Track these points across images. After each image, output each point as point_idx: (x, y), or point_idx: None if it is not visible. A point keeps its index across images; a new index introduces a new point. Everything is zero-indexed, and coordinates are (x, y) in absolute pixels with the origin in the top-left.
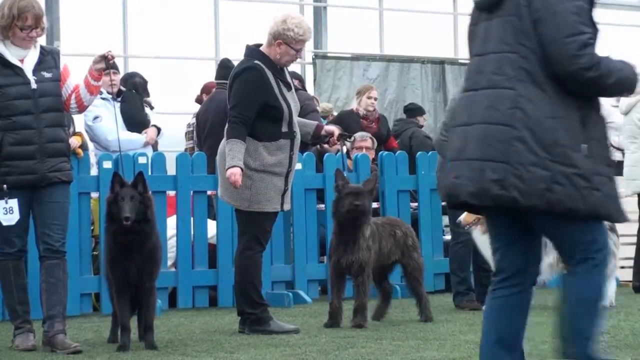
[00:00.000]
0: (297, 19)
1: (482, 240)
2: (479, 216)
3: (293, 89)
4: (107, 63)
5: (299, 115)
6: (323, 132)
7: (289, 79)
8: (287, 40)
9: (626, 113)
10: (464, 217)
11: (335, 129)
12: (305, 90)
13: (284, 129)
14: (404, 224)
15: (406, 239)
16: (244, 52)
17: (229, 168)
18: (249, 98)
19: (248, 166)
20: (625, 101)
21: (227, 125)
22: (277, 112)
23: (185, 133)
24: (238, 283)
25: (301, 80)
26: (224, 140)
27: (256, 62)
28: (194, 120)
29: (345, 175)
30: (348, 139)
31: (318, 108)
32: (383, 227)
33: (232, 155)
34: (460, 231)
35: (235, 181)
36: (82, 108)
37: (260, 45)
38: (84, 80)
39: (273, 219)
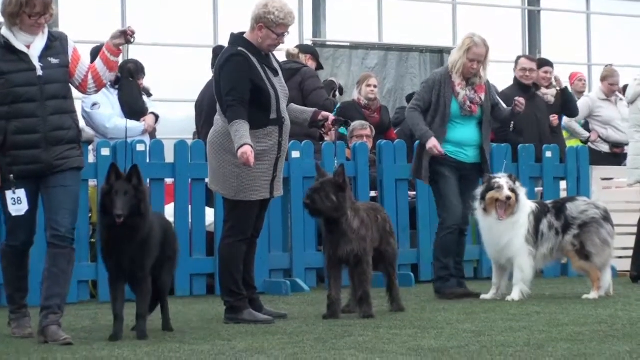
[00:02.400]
0: (278, 2)
1: (486, 228)
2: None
3: (280, 75)
4: (126, 38)
5: (304, 97)
6: (320, 117)
7: (275, 64)
8: (268, 24)
9: (632, 102)
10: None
11: (330, 115)
12: (322, 68)
13: (273, 115)
14: (383, 210)
15: (385, 224)
16: (228, 40)
17: (239, 148)
18: (241, 81)
19: (235, 154)
20: (631, 90)
21: (224, 110)
22: (265, 97)
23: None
24: (219, 270)
25: (315, 55)
26: (213, 130)
27: (240, 49)
28: None
29: (323, 170)
30: (345, 125)
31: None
32: (368, 213)
33: (240, 135)
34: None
35: (248, 159)
36: (100, 86)
37: (244, 32)
38: (101, 56)
39: (259, 206)
